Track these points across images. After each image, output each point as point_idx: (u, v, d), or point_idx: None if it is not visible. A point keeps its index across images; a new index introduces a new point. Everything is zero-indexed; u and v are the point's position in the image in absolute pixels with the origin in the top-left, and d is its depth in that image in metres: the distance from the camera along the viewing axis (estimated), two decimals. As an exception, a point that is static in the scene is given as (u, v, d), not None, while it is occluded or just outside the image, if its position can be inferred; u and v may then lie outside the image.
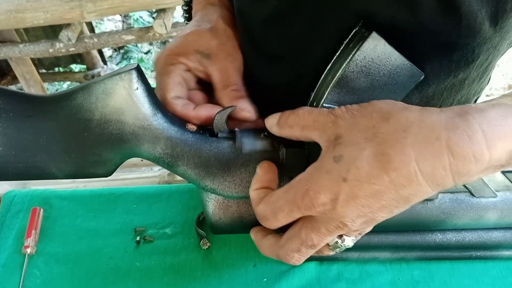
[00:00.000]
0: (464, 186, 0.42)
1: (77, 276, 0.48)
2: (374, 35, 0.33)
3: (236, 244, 0.50)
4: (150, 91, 0.36)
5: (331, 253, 0.36)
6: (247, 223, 0.41)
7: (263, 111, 0.42)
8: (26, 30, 2.08)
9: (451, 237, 0.45)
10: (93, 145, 0.35)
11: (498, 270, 0.47)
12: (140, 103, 0.35)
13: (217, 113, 0.37)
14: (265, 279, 0.47)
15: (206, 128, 0.39)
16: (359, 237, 0.35)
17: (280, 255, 0.35)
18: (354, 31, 0.34)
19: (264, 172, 0.37)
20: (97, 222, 0.54)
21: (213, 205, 0.40)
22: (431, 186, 0.28)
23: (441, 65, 0.38)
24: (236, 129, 0.38)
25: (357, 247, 0.45)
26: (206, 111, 0.39)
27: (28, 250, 0.50)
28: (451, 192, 0.42)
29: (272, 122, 0.36)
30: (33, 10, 1.54)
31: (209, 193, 0.39)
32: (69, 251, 0.51)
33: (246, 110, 0.39)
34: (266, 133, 0.38)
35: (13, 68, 1.92)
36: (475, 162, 0.26)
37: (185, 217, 0.54)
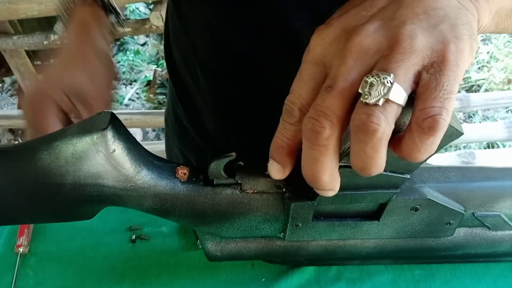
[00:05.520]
0: (482, 223, 0.39)
1: (71, 275, 0.47)
2: None
3: (233, 243, 0.50)
4: (130, 146, 0.31)
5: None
6: (246, 257, 0.40)
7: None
8: (21, 21, 2.05)
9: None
10: (69, 205, 0.31)
11: (500, 270, 0.47)
12: (120, 165, 0.30)
13: (212, 161, 0.33)
14: (263, 279, 0.46)
15: (199, 174, 0.34)
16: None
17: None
18: None
19: None
20: (91, 220, 0.52)
21: (210, 243, 0.38)
22: None
23: None
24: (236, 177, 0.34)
25: (358, 257, 0.45)
26: None
27: (21, 249, 0.49)
28: (468, 227, 0.40)
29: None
30: (27, 1, 1.51)
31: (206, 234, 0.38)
32: (62, 250, 0.50)
33: None
34: None
35: (7, 60, 1.90)
36: None
37: (181, 215, 0.53)
